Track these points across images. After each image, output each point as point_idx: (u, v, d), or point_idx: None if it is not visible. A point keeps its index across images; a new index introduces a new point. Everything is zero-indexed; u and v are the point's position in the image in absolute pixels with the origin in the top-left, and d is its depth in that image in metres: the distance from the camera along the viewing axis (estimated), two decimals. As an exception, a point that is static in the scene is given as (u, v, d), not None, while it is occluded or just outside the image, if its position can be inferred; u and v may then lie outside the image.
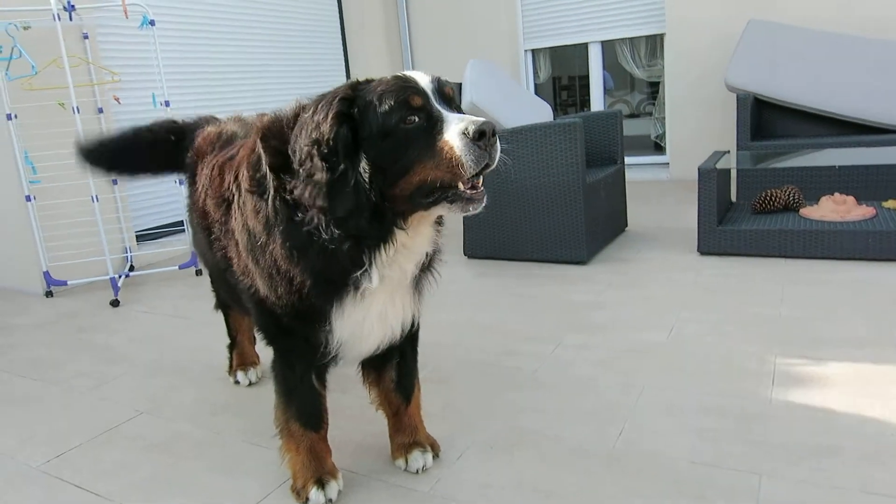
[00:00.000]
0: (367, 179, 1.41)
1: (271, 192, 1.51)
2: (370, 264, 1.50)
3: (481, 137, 1.36)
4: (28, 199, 4.04)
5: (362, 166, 1.41)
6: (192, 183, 2.09)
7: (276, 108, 1.62)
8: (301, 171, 1.43)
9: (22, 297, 4.22)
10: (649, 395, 2.27)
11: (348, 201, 1.40)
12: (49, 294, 4.17)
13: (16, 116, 3.96)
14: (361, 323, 1.62)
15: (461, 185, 1.42)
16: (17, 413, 2.56)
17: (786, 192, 4.01)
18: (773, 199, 4.01)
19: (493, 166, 1.42)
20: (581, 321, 2.99)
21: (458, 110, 1.49)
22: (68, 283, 4.18)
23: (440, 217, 1.62)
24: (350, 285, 1.54)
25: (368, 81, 1.48)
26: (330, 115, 1.40)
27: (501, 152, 1.44)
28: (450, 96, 1.48)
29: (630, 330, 2.85)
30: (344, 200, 1.40)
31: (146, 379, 2.77)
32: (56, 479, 2.04)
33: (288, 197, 1.48)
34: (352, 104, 1.43)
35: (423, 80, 1.46)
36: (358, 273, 1.52)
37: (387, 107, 1.39)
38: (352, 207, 1.40)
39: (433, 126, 1.40)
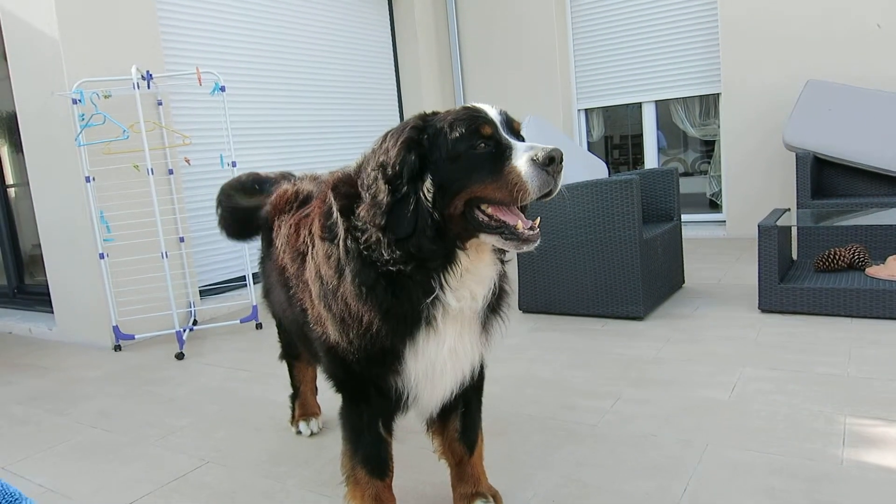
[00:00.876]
0: (430, 199, 1.47)
1: (342, 233, 1.59)
2: (440, 287, 1.55)
3: (551, 163, 1.42)
4: (101, 256, 4.24)
5: (426, 187, 1.47)
6: (268, 237, 2.19)
7: (343, 166, 1.72)
8: (366, 194, 1.52)
9: (93, 350, 4.39)
10: (713, 452, 2.22)
11: (409, 224, 1.46)
12: (118, 348, 4.33)
13: (93, 179, 4.21)
14: (434, 360, 1.64)
15: (520, 226, 1.48)
16: (90, 462, 2.65)
17: (850, 250, 3.93)
18: (837, 257, 3.93)
19: (555, 194, 1.48)
20: (640, 377, 2.96)
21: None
22: (136, 337, 4.34)
23: (502, 252, 1.66)
24: (422, 320, 1.58)
25: (436, 113, 1.57)
26: (399, 141, 1.49)
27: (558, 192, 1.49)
28: (517, 130, 1.56)
29: (691, 386, 2.80)
30: (404, 222, 1.47)
31: (211, 430, 2.84)
32: (127, 524, 2.11)
33: (358, 234, 1.55)
34: (422, 132, 1.51)
35: (492, 111, 1.54)
36: (430, 299, 1.55)
37: (457, 134, 1.47)
38: (411, 230, 1.46)
39: (502, 153, 1.47)
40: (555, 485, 2.10)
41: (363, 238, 1.54)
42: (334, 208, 1.62)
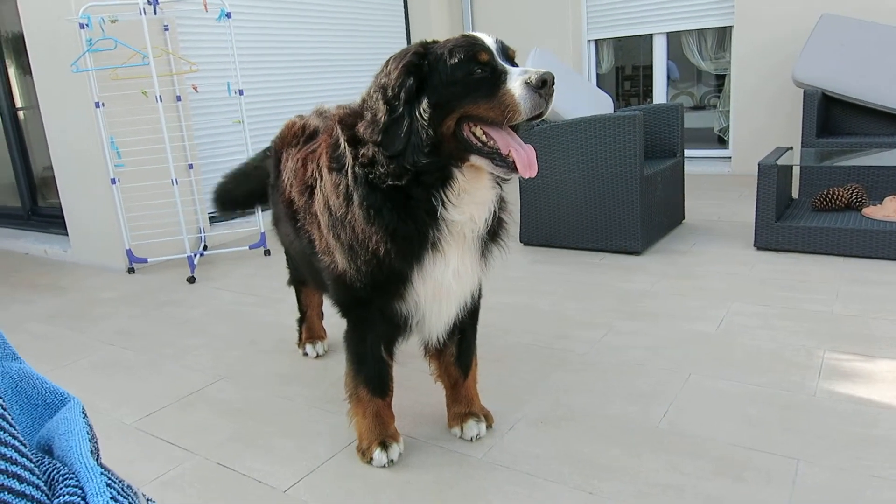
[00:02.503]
0: (425, 119, 1.57)
1: (349, 161, 1.68)
2: (442, 204, 1.65)
3: (543, 85, 1.52)
4: (113, 181, 4.33)
5: (423, 108, 1.57)
6: (276, 168, 2.28)
7: (348, 100, 1.80)
8: (367, 113, 1.62)
9: (107, 272, 4.54)
10: (695, 381, 2.36)
11: (400, 141, 1.57)
12: (131, 270, 4.47)
13: (103, 105, 4.26)
14: (440, 282, 1.75)
15: (512, 155, 1.58)
16: (111, 377, 2.82)
17: (849, 190, 3.98)
18: (836, 197, 3.99)
19: (545, 115, 1.57)
20: (633, 309, 3.08)
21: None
22: (148, 260, 4.48)
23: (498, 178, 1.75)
24: (428, 242, 1.69)
25: (436, 41, 1.65)
26: (400, 65, 1.58)
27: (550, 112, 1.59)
28: (512, 57, 1.65)
29: (681, 319, 2.93)
30: (396, 140, 1.58)
31: (223, 350, 3.00)
32: (148, 435, 2.28)
33: (364, 161, 1.64)
34: (423, 57, 1.60)
35: (489, 39, 1.62)
36: (437, 215, 1.65)
37: (456, 59, 1.56)
38: (402, 147, 1.57)
39: (497, 77, 1.56)
40: (543, 408, 2.25)
41: (361, 153, 1.64)
42: (341, 139, 1.71)
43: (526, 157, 1.59)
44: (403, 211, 1.65)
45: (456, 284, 1.78)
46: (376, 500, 1.83)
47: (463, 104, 1.56)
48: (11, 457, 0.42)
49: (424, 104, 1.57)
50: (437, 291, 1.77)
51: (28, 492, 0.41)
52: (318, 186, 1.83)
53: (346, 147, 1.69)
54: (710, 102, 8.53)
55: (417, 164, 1.59)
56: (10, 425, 0.45)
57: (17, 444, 0.44)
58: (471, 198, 1.68)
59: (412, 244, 1.68)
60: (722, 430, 2.04)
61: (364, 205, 1.66)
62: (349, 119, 1.72)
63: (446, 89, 1.56)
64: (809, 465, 1.83)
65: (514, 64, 1.62)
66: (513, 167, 1.59)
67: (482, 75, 1.56)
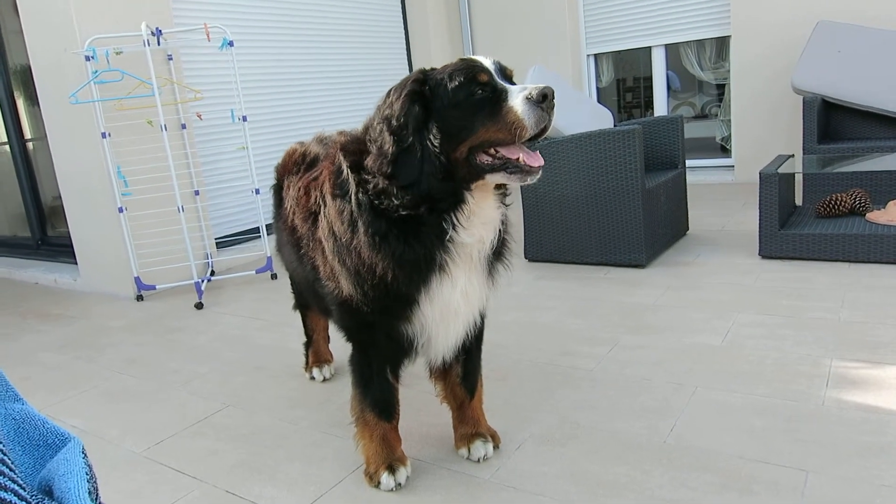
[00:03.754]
0: (437, 145, 1.60)
1: (353, 187, 1.70)
2: (453, 227, 1.67)
3: (544, 99, 1.55)
4: (120, 210, 4.38)
5: (433, 135, 1.60)
6: (278, 194, 2.30)
7: (351, 122, 1.83)
8: (373, 146, 1.65)
9: (116, 300, 4.58)
10: (702, 394, 2.36)
11: (414, 170, 1.60)
12: (140, 298, 4.51)
13: (109, 135, 4.32)
14: (448, 302, 1.76)
15: (522, 158, 1.61)
16: (119, 405, 2.84)
17: (852, 195, 3.98)
18: (839, 203, 3.98)
19: (549, 128, 1.61)
20: (638, 323, 3.08)
21: None
22: (157, 287, 4.51)
23: (504, 190, 1.78)
24: (435, 264, 1.70)
25: (433, 69, 1.69)
26: (403, 95, 1.61)
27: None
28: (510, 76, 1.68)
29: (686, 332, 2.92)
30: (408, 169, 1.60)
31: (230, 376, 3.02)
32: (156, 464, 2.29)
33: (369, 187, 1.66)
34: (423, 84, 1.63)
35: (486, 61, 1.66)
36: (446, 238, 1.67)
37: (457, 82, 1.59)
38: (416, 176, 1.59)
39: (498, 96, 1.60)
40: (550, 426, 2.25)
41: (372, 188, 1.65)
42: (344, 166, 1.73)
43: (532, 154, 1.64)
44: (410, 236, 1.66)
45: (464, 304, 1.79)
46: (384, 523, 1.84)
47: (473, 131, 1.59)
48: (11, 501, 0.44)
49: (434, 131, 1.60)
50: (444, 312, 1.78)
51: None
52: (321, 213, 1.85)
53: (349, 173, 1.71)
54: (711, 112, 8.55)
55: (432, 190, 1.61)
56: (10, 469, 0.47)
57: (16, 488, 0.45)
58: (479, 219, 1.71)
59: (419, 268, 1.70)
60: (729, 443, 2.03)
61: (369, 231, 1.67)
62: (351, 146, 1.75)
63: (450, 113, 1.59)
64: (818, 476, 1.83)
65: (512, 83, 1.65)
66: (526, 168, 1.62)
67: (483, 95, 1.59)
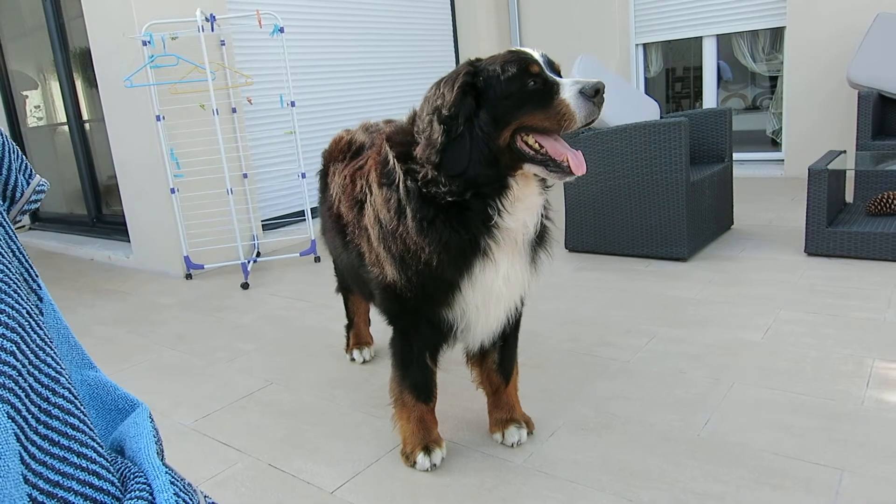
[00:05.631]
0: (485, 134, 1.64)
1: (400, 176, 1.76)
2: (498, 213, 1.72)
3: (596, 94, 1.60)
4: (172, 191, 4.52)
5: (482, 123, 1.64)
6: (324, 179, 2.37)
7: (397, 110, 1.87)
8: (421, 137, 1.70)
9: (166, 278, 4.74)
10: (738, 390, 2.36)
11: (462, 160, 1.64)
12: (189, 276, 4.65)
13: (163, 117, 4.45)
14: (490, 287, 1.81)
15: (567, 159, 1.65)
16: (168, 380, 2.96)
17: (904, 193, 3.88)
18: (891, 201, 3.89)
19: (596, 120, 1.65)
20: (677, 317, 3.08)
21: None
22: (205, 266, 4.65)
23: (544, 182, 1.81)
24: (479, 249, 1.75)
25: (480, 59, 1.73)
26: (456, 87, 1.65)
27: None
28: (557, 69, 1.72)
29: (725, 327, 2.91)
30: (457, 159, 1.65)
31: (274, 354, 3.12)
32: (204, 436, 2.39)
33: (417, 176, 1.72)
34: (475, 76, 1.67)
35: (536, 54, 1.70)
36: (491, 223, 1.72)
37: (510, 73, 1.64)
38: (465, 165, 1.64)
39: (550, 88, 1.64)
40: (584, 415, 2.28)
41: (420, 176, 1.70)
42: (390, 156, 1.79)
43: (577, 159, 1.68)
44: (456, 221, 1.71)
45: (506, 289, 1.84)
46: (417, 503, 1.90)
47: (519, 116, 1.64)
48: (91, 457, 0.50)
49: (483, 120, 1.64)
50: (486, 298, 1.83)
51: (105, 487, 0.49)
52: (367, 201, 1.90)
53: (396, 163, 1.76)
54: (762, 104, 8.36)
55: (479, 177, 1.66)
56: (90, 429, 0.53)
57: (95, 445, 0.51)
58: (522, 204, 1.75)
59: (464, 252, 1.75)
60: (764, 439, 2.04)
61: (417, 217, 1.72)
62: (397, 136, 1.80)
63: (502, 103, 1.64)
64: (853, 476, 1.82)
65: (559, 76, 1.68)
66: (567, 171, 1.66)
67: (535, 87, 1.63)
